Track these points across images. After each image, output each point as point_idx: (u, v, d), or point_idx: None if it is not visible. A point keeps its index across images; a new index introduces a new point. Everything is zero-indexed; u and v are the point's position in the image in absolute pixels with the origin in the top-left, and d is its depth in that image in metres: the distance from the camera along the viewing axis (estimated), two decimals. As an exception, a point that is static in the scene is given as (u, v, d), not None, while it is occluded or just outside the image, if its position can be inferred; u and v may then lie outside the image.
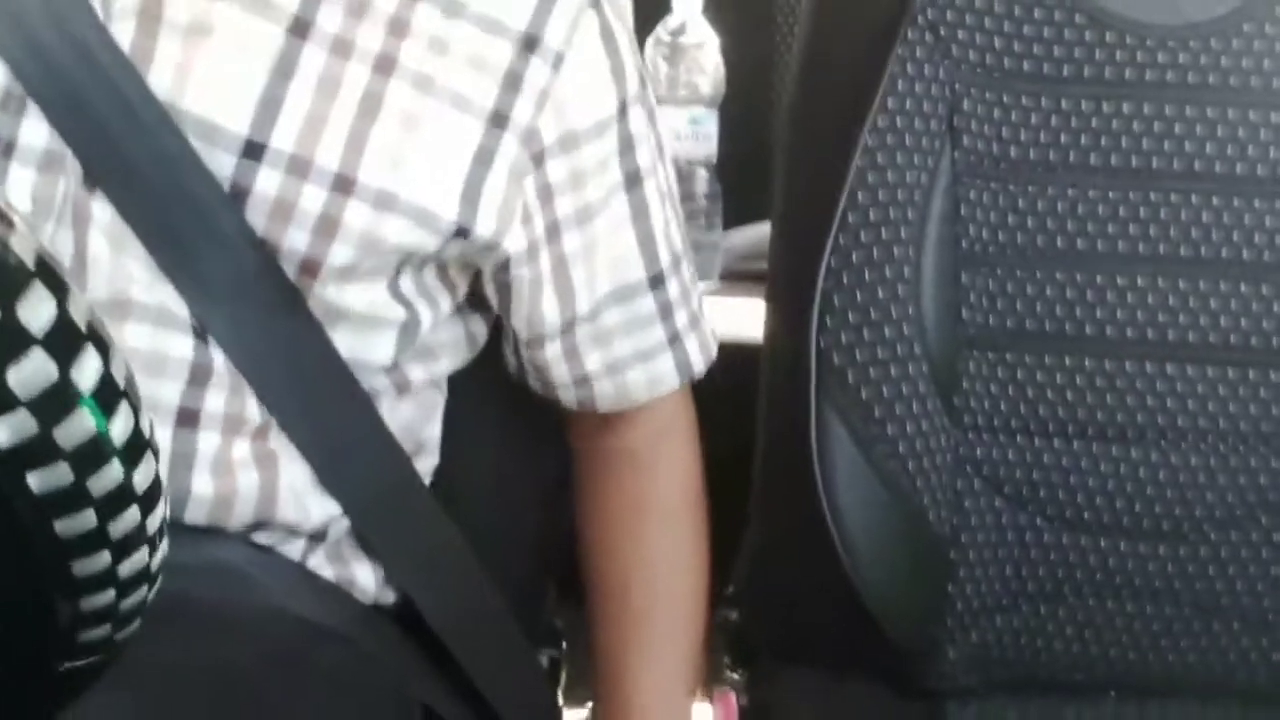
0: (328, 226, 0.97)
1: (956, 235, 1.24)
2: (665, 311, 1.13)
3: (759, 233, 1.59)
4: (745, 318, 1.39)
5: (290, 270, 0.98)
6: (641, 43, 1.68)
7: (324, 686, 0.96)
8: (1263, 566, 1.25)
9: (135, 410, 0.58)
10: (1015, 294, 1.25)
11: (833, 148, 1.24)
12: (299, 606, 0.99)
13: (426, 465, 1.12)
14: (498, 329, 1.14)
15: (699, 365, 1.17)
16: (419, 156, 0.99)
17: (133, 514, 0.58)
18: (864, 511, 1.22)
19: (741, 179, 1.74)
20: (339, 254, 0.98)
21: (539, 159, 1.04)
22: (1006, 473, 1.25)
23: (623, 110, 1.07)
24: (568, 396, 1.13)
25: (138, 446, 0.58)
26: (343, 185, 0.97)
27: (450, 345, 1.11)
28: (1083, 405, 1.25)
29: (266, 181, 0.96)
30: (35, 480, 0.54)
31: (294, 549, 1.03)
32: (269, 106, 0.96)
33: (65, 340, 0.54)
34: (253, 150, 0.96)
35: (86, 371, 0.55)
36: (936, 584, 1.24)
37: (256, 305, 0.98)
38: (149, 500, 0.59)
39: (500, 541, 1.14)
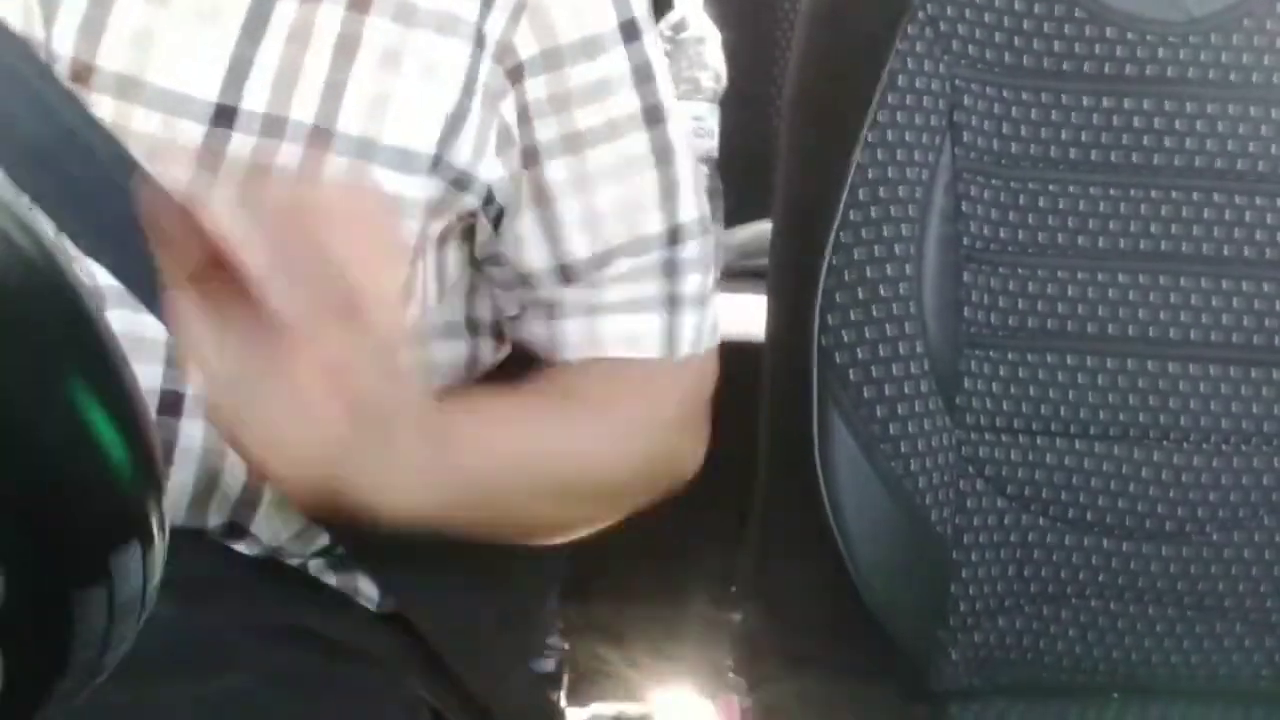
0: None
1: (958, 232, 1.23)
2: (672, 269, 1.02)
3: (760, 230, 1.59)
4: (747, 316, 1.39)
5: None
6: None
7: (336, 701, 0.95)
8: (1266, 567, 1.24)
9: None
10: (1017, 291, 1.24)
11: (834, 144, 1.23)
12: (306, 620, 0.98)
13: None
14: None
15: (685, 346, 1.03)
16: (402, 95, 0.94)
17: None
18: (866, 512, 1.22)
19: (742, 175, 1.74)
20: None
21: (516, 76, 0.97)
22: (1009, 472, 1.24)
23: (630, 31, 1.00)
24: (537, 332, 1.04)
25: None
26: (320, 138, 0.92)
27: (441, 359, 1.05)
28: (1085, 404, 1.24)
29: (240, 146, 0.92)
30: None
31: (294, 557, 1.02)
32: (239, 67, 0.92)
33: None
34: (223, 116, 0.92)
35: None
36: (939, 584, 1.24)
37: None
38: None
39: (504, 545, 1.14)
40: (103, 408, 0.56)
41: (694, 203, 1.02)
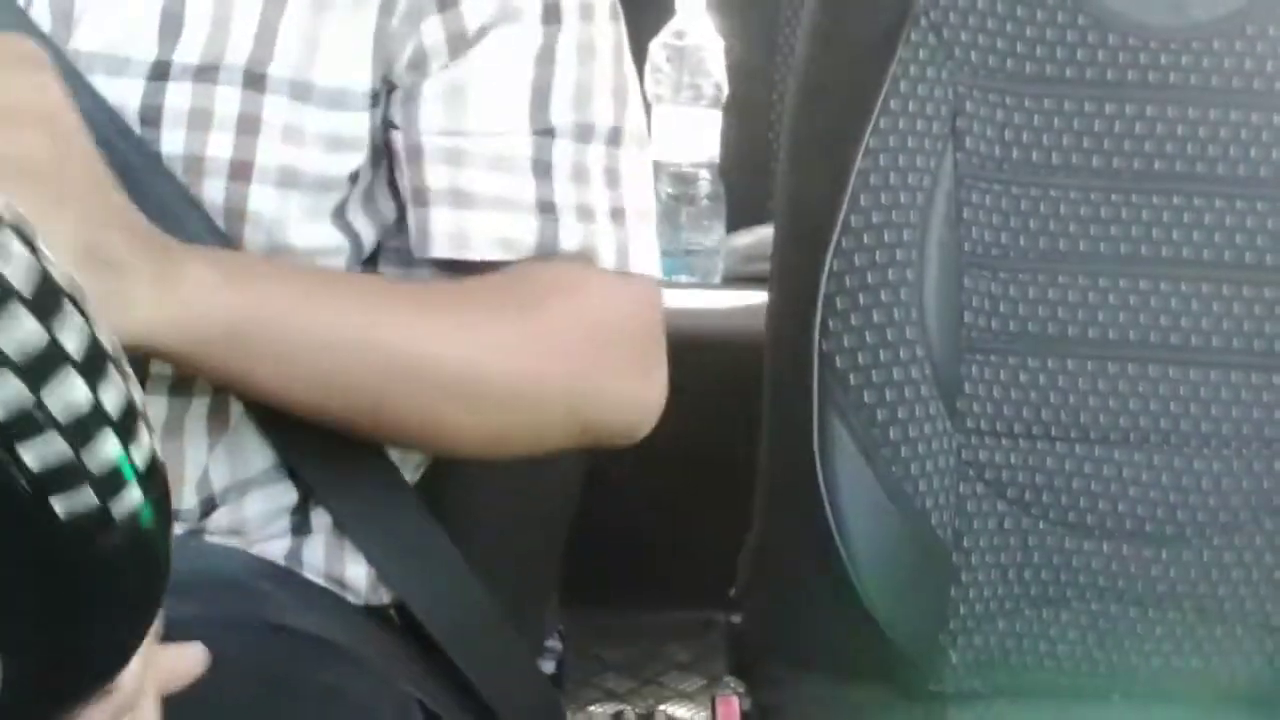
0: (249, 124, 0.92)
1: (959, 238, 1.24)
2: (542, 170, 0.96)
3: (762, 235, 1.59)
4: (748, 320, 1.39)
5: (218, 185, 0.93)
6: (645, 45, 1.69)
7: (327, 702, 0.95)
8: (1265, 570, 1.25)
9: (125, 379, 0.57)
10: (1018, 297, 1.25)
11: (835, 150, 1.24)
12: (293, 618, 0.98)
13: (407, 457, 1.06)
14: None
15: (572, 243, 0.96)
16: (331, 36, 0.94)
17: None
18: (867, 515, 1.22)
19: (744, 181, 1.75)
20: (266, 153, 0.93)
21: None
22: (1009, 476, 1.25)
23: None
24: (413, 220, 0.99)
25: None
26: (255, 82, 0.92)
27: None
28: (1085, 408, 1.24)
29: (177, 96, 0.92)
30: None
31: (279, 547, 1.01)
32: (170, 23, 0.92)
33: (48, 299, 0.53)
34: (159, 70, 0.92)
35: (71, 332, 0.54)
36: (939, 588, 1.24)
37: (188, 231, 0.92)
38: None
39: (507, 544, 1.14)
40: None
41: (571, 108, 0.97)
